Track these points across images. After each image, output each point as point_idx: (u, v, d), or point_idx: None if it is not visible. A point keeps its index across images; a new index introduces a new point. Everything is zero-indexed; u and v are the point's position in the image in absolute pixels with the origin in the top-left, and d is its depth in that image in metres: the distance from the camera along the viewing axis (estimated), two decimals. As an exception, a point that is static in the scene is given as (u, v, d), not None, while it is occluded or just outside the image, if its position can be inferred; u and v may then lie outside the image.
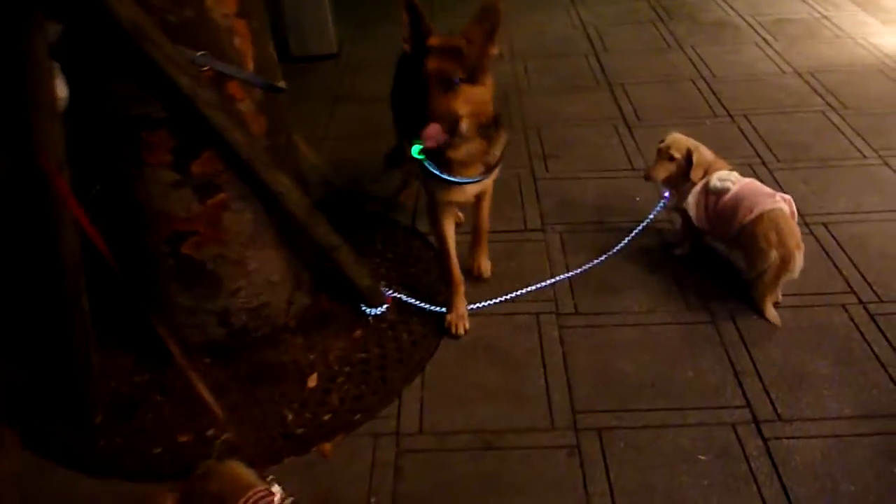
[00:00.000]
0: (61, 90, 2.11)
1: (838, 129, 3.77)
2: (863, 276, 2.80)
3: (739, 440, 2.22)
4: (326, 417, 2.38)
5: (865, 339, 2.54)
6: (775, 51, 4.67)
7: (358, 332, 2.67)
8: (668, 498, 2.08)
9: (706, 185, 2.74)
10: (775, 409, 2.31)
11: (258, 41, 2.31)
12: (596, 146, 3.77)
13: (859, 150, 3.58)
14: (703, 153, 2.81)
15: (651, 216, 3.07)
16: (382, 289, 2.74)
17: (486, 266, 2.92)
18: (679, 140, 2.84)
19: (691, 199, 2.78)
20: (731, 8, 5.42)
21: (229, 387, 2.49)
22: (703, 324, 2.65)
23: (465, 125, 2.27)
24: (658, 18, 5.34)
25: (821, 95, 4.10)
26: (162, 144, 2.22)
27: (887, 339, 2.53)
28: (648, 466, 2.17)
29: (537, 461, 2.21)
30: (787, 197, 2.66)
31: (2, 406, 2.50)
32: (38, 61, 1.89)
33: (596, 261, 2.92)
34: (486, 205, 2.77)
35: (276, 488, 1.82)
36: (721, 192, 2.69)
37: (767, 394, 2.36)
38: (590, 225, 3.19)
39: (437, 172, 2.42)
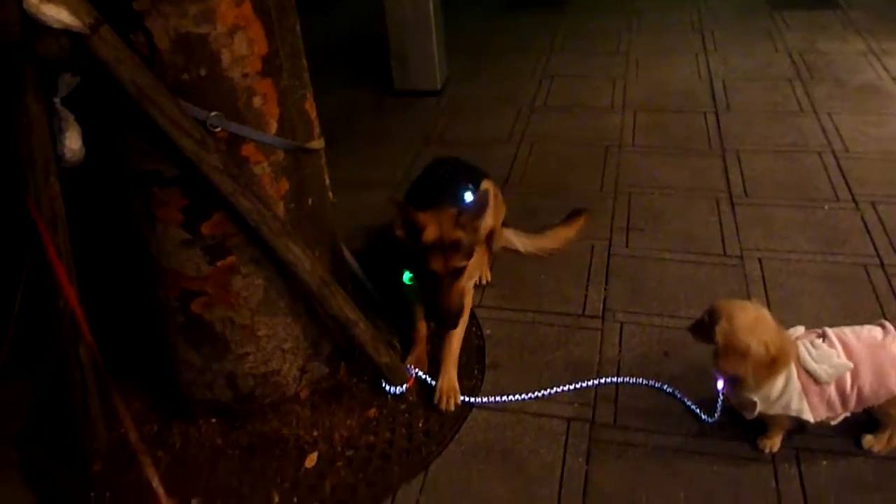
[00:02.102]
0: (75, 142, 2.07)
1: None
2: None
3: None
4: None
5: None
6: (929, 126, 4.05)
7: (372, 412, 2.49)
8: None
9: (810, 379, 2.10)
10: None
11: (287, 100, 2.18)
12: (689, 222, 3.38)
13: None
14: (762, 347, 2.02)
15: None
16: (405, 367, 2.54)
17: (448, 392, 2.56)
18: (733, 335, 2.04)
19: (796, 401, 2.11)
20: (886, 70, 4.77)
21: (227, 453, 2.38)
22: (760, 464, 2.25)
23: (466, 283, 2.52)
24: (797, 76, 4.79)
25: (977, 186, 3.50)
26: (173, 202, 2.13)
27: None
28: None
29: None
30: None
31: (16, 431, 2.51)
32: (31, 116, 1.84)
33: (652, 383, 2.54)
34: (452, 349, 2.62)
35: None
36: (841, 373, 2.09)
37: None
38: (658, 318, 2.83)
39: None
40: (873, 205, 3.40)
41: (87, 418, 2.33)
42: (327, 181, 2.47)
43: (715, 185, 3.66)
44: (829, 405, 2.12)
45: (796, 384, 2.09)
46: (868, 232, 3.23)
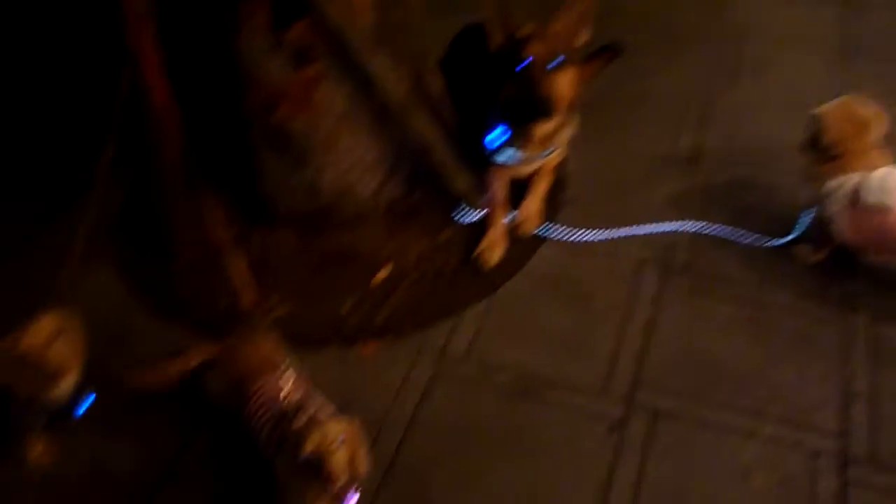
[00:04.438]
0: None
1: None
2: None
3: (812, 474, 1.87)
4: (381, 317, 2.30)
5: None
6: None
7: (444, 236, 2.53)
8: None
9: (854, 194, 2.10)
10: (874, 451, 1.90)
11: None
12: (798, 74, 3.15)
13: None
14: (862, 139, 2.12)
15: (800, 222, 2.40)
16: (480, 196, 2.54)
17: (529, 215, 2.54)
18: (835, 114, 2.16)
19: (837, 208, 2.15)
20: None
21: (303, 260, 2.48)
22: (831, 322, 2.20)
23: (559, 105, 2.29)
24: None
25: None
26: (259, 9, 2.11)
27: None
28: (691, 471, 1.89)
29: (573, 426, 2.01)
30: None
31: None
32: None
33: (733, 232, 2.46)
34: (546, 177, 2.56)
35: (285, 378, 1.81)
36: (879, 209, 2.06)
37: (875, 429, 1.94)
38: (751, 168, 2.71)
39: (503, 158, 2.47)
40: None
41: (174, 216, 2.44)
42: (418, -1, 2.38)
43: (831, 37, 3.35)
44: (862, 233, 2.14)
45: (846, 192, 2.11)
46: None
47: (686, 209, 2.57)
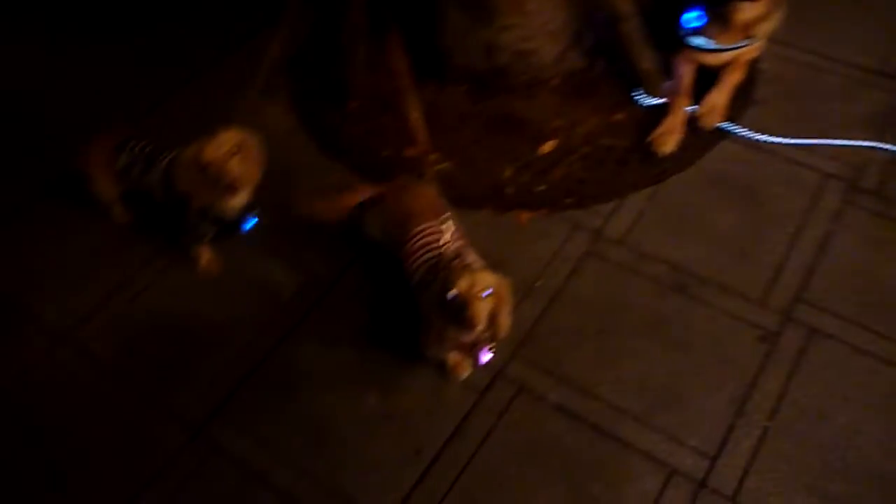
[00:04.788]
0: None
1: None
2: None
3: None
4: (541, 188, 2.28)
5: None
6: None
7: (619, 116, 2.43)
8: (837, 436, 1.74)
9: None
10: None
11: None
12: None
13: None
14: None
15: None
16: (665, 79, 2.40)
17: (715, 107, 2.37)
18: None
19: None
20: None
21: (471, 121, 2.46)
22: None
23: None
24: None
25: None
26: None
27: None
28: (837, 395, 1.81)
29: (723, 329, 1.95)
30: None
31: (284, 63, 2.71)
32: None
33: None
34: (738, 70, 2.38)
35: (446, 227, 1.84)
36: None
37: None
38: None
39: (697, 42, 2.33)
40: None
41: (354, 56, 2.46)
42: None
43: None
44: None
45: None
46: None
47: (886, 129, 2.35)
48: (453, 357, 1.86)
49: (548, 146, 2.37)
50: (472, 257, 1.80)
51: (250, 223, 2.14)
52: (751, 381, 1.84)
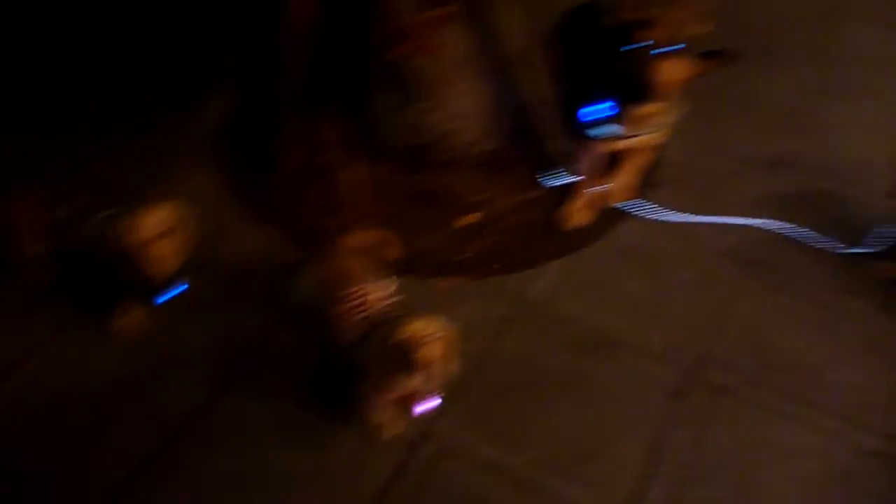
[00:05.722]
0: None
1: None
2: None
3: (858, 469, 1.90)
4: (462, 257, 2.40)
5: None
6: None
7: (534, 194, 2.61)
8: (741, 485, 1.87)
9: None
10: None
11: None
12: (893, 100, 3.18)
13: None
14: None
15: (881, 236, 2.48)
16: (573, 163, 2.61)
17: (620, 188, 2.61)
18: None
19: None
20: None
21: (398, 193, 2.58)
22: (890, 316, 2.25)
23: (664, 91, 2.35)
24: None
25: None
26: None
27: None
28: (742, 448, 1.95)
29: (635, 386, 2.08)
30: None
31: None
32: None
33: (817, 238, 2.50)
34: (643, 155, 2.62)
35: (382, 285, 1.90)
36: None
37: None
38: (838, 183, 2.73)
39: (603, 131, 2.50)
40: None
41: (284, 128, 2.56)
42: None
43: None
44: None
45: None
46: None
47: (770, 208, 2.62)
48: (385, 414, 1.90)
49: (469, 218, 2.51)
50: (409, 312, 1.86)
51: (177, 290, 2.14)
52: (661, 435, 1.96)
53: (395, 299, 1.90)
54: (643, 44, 2.35)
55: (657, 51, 2.35)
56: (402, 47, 2.38)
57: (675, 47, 2.35)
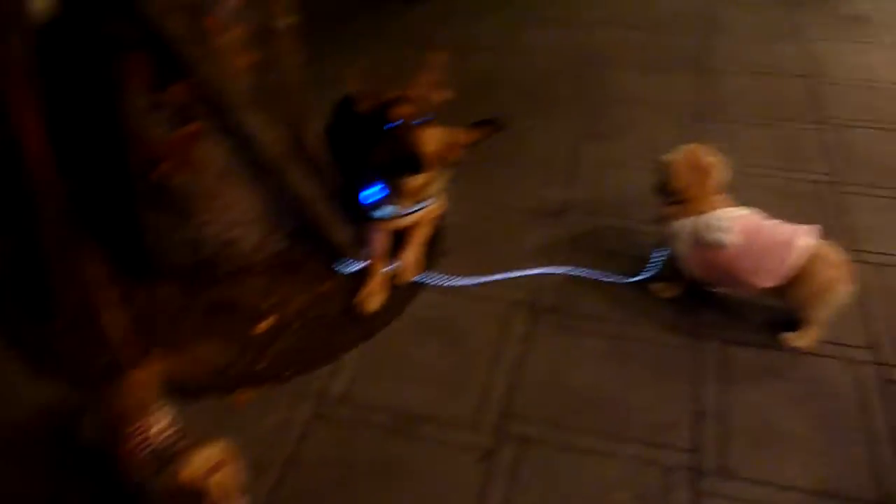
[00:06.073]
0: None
1: (944, 157, 3.26)
2: (891, 333, 2.42)
3: (667, 487, 2.00)
4: (261, 366, 2.36)
5: (864, 407, 2.20)
6: (909, 57, 4.08)
7: (326, 287, 2.62)
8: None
9: (697, 233, 2.34)
10: (724, 463, 2.06)
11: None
12: (653, 134, 3.45)
13: (959, 186, 3.08)
14: (703, 183, 2.37)
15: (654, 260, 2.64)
16: (361, 248, 2.66)
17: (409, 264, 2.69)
18: (680, 159, 2.41)
19: (682, 247, 2.39)
20: (877, 1, 4.76)
21: (187, 314, 2.52)
22: (685, 349, 2.39)
23: (428, 159, 2.49)
24: (791, 2, 4.78)
25: (942, 116, 3.55)
26: (139, 67, 2.21)
27: (890, 413, 2.18)
28: (555, 493, 2.00)
29: (445, 458, 2.09)
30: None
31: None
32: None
33: (598, 274, 2.67)
34: (425, 229, 2.74)
35: (159, 416, 1.84)
36: (716, 246, 2.30)
37: (722, 444, 2.11)
38: (613, 218, 2.95)
39: (381, 213, 2.64)
40: (838, 127, 3.47)
41: (54, 273, 2.46)
42: (297, 59, 2.54)
43: (686, 102, 3.71)
44: (705, 268, 2.37)
45: (689, 232, 2.35)
46: (826, 151, 3.31)
47: (553, 255, 2.76)
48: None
49: (264, 325, 2.48)
50: (190, 439, 1.81)
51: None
52: (477, 499, 1.98)
53: (177, 428, 1.83)
54: (398, 121, 2.47)
55: (413, 123, 2.49)
56: (161, 168, 2.37)
57: (426, 118, 2.51)
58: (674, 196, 2.41)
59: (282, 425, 2.18)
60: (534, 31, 4.46)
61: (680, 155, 2.43)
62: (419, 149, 2.47)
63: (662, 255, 2.59)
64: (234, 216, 2.50)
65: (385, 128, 2.49)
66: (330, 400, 2.26)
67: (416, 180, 2.57)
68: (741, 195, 2.99)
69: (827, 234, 2.29)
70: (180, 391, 2.14)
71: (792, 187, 3.09)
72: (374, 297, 2.54)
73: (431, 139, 2.51)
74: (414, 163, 2.48)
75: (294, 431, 2.16)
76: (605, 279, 2.64)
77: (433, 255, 2.77)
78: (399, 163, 2.49)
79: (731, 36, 4.38)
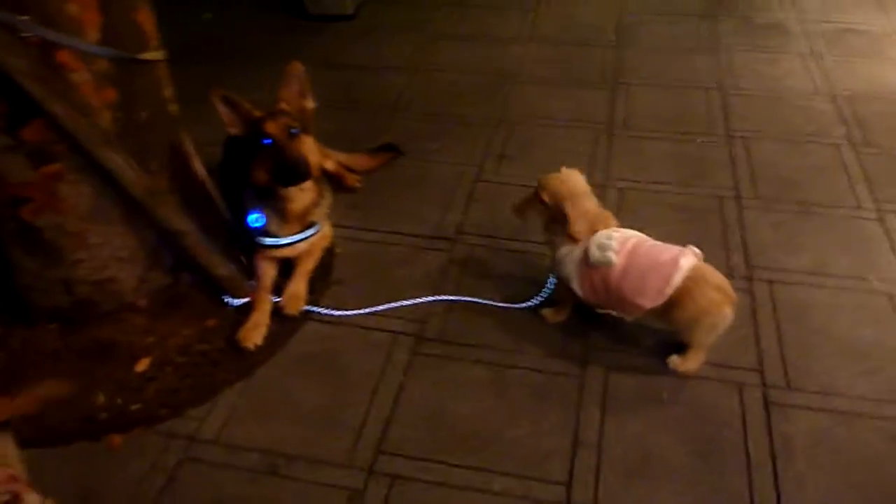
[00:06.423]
0: None
1: (845, 168, 3.27)
2: (781, 354, 2.42)
3: (534, 521, 1.98)
4: (135, 407, 2.30)
5: (745, 433, 2.19)
6: (819, 66, 4.09)
7: (211, 322, 2.57)
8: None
9: (585, 255, 2.33)
10: (595, 495, 2.03)
11: (111, 9, 2.18)
12: (562, 151, 3.43)
13: (857, 198, 3.09)
14: (582, 206, 2.38)
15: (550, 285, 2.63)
16: (245, 280, 2.61)
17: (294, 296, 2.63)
18: (554, 183, 2.43)
19: (571, 269, 2.38)
20: (794, 9, 4.79)
21: (63, 356, 2.46)
22: (569, 376, 2.37)
23: (312, 167, 2.50)
24: (707, 13, 4.79)
25: (846, 125, 3.57)
26: (-8, 107, 2.15)
27: (770, 437, 2.17)
28: (421, 532, 1.97)
29: (315, 499, 2.05)
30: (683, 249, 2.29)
31: None
32: None
33: (485, 301, 2.65)
34: (311, 258, 2.72)
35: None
36: (604, 266, 2.28)
37: (596, 476, 2.08)
38: (507, 241, 2.92)
39: (266, 241, 2.64)
40: (745, 140, 3.49)
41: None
42: (167, 94, 2.48)
43: (597, 118, 3.70)
44: (594, 290, 2.34)
45: (578, 255, 2.34)
46: (733, 165, 3.31)
47: (445, 282, 2.73)
48: None
49: (142, 364, 2.42)
50: (30, 496, 1.75)
51: None
52: (343, 543, 1.94)
53: (13, 483, 1.77)
54: (271, 136, 2.44)
55: (289, 133, 2.46)
56: (25, 208, 2.30)
57: (296, 130, 2.48)
58: (547, 210, 2.43)
59: (150, 470, 2.13)
60: (448, 50, 4.42)
61: (552, 174, 2.46)
62: (300, 156, 2.45)
63: (551, 282, 2.57)
64: (108, 254, 2.43)
65: (262, 143, 2.45)
66: (201, 442, 2.21)
67: (299, 203, 2.54)
68: (642, 212, 3.02)
69: (723, 251, 2.28)
70: (49, 437, 2.09)
71: (693, 203, 3.08)
72: (256, 331, 2.49)
73: (310, 148, 2.52)
74: (296, 170, 2.45)
75: (162, 477, 2.11)
76: (496, 305, 2.61)
77: (324, 284, 2.73)
78: (281, 172, 2.46)
79: (647, 48, 4.37)
